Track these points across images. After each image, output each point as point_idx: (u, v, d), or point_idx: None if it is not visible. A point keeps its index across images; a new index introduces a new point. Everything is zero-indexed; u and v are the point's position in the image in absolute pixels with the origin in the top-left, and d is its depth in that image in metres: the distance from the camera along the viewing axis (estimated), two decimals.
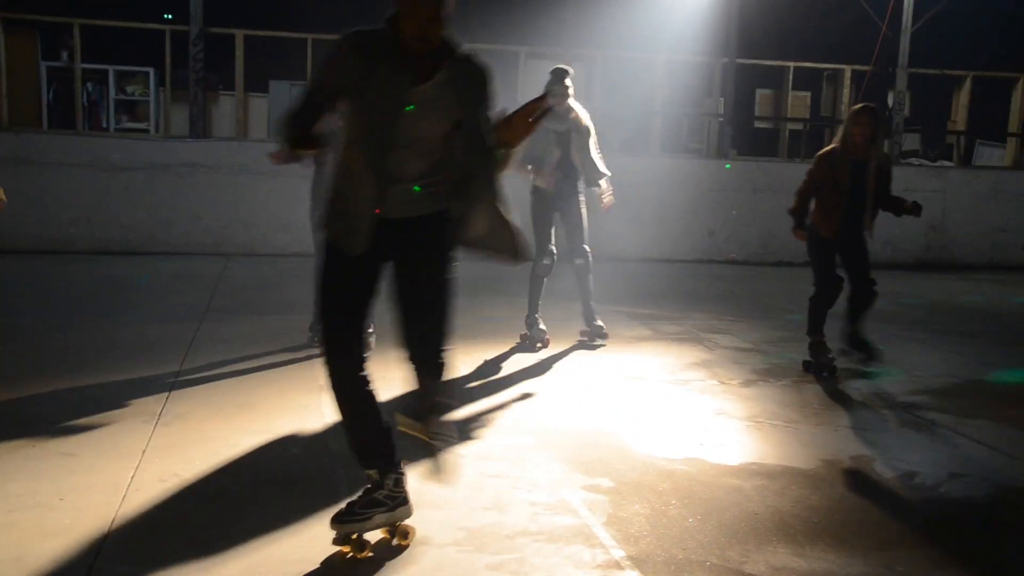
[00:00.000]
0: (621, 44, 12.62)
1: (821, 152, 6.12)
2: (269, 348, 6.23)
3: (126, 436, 4.35)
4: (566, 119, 6.51)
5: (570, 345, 6.73)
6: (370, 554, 3.23)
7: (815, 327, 6.13)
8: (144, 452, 4.14)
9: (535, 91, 12.49)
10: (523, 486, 3.92)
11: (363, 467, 3.33)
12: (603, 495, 3.86)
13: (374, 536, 3.32)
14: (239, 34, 11.28)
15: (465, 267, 3.44)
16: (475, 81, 3.22)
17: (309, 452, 4.28)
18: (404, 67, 3.08)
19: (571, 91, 6.55)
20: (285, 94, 11.93)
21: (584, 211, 6.72)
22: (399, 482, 3.33)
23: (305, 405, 4.97)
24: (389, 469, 3.31)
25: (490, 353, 6.38)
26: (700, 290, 9.89)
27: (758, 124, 14.57)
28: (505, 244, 3.34)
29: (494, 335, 6.83)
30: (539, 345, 6.59)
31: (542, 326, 6.67)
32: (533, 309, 6.68)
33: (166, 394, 5.08)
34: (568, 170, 6.58)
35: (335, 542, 3.22)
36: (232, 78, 11.46)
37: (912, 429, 5.07)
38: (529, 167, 6.45)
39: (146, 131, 12.72)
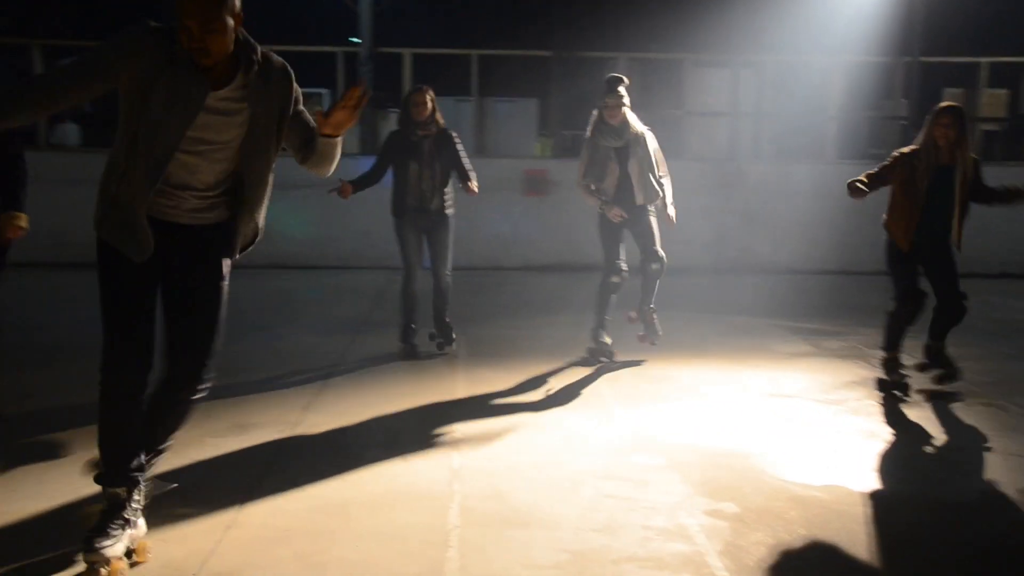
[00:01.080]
0: (793, 48, 12.11)
1: (902, 150, 5.55)
2: (415, 363, 6.29)
3: (259, 441, 4.47)
4: (622, 134, 6.21)
5: (709, 361, 6.45)
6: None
7: (890, 343, 5.66)
8: (272, 462, 4.23)
9: (701, 99, 12.19)
10: (640, 508, 3.74)
11: (108, 486, 3.13)
12: (724, 521, 3.62)
13: None
14: (407, 53, 11.58)
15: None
16: (275, 83, 3.09)
17: (431, 466, 4.24)
18: (197, 73, 2.94)
19: (626, 101, 6.20)
20: (452, 110, 12.11)
21: (654, 220, 6.41)
22: (138, 498, 3.20)
23: (439, 420, 4.96)
24: (136, 486, 3.18)
25: (629, 366, 6.21)
26: (876, 304, 9.19)
27: None
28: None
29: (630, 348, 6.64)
30: (602, 359, 6.34)
31: (607, 339, 6.41)
32: (599, 323, 6.42)
33: (307, 402, 5.19)
34: (629, 186, 6.27)
35: (87, 571, 2.98)
36: (400, 96, 11.74)
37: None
38: (593, 187, 6.25)
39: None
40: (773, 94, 12.04)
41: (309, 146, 3.24)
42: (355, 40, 12.53)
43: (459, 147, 6.37)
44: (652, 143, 6.31)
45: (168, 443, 3.29)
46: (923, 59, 11.91)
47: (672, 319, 7.25)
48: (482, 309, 8.41)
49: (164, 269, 3.11)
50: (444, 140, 6.34)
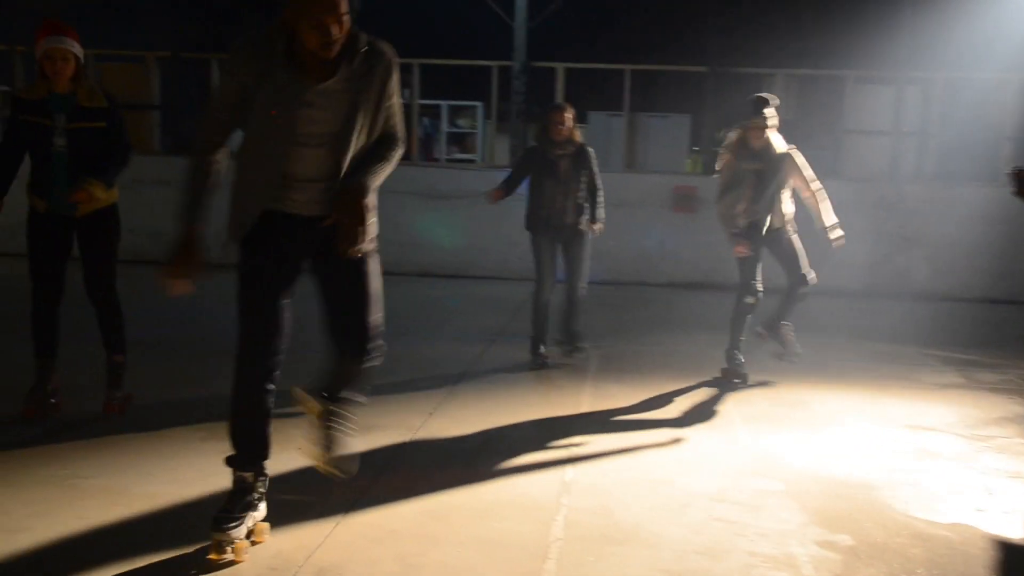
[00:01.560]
0: (965, 65, 11.51)
1: None
2: (543, 374, 6.33)
3: (380, 444, 4.58)
4: (763, 156, 6.02)
5: (848, 388, 6.20)
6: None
7: None
8: (388, 464, 4.34)
9: (862, 118, 11.78)
10: (749, 534, 3.64)
11: (238, 469, 3.31)
12: (837, 554, 3.48)
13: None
14: (560, 67, 11.67)
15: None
16: (380, 70, 3.13)
17: (543, 478, 4.26)
18: (301, 68, 3.04)
19: (772, 123, 6.01)
20: (603, 125, 12.13)
21: (796, 239, 6.21)
22: (264, 484, 3.38)
23: (558, 432, 4.97)
24: (262, 473, 3.35)
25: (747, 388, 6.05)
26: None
27: None
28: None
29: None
30: (736, 381, 6.15)
31: (741, 358, 6.23)
32: (733, 344, 6.26)
33: (432, 408, 5.30)
34: (765, 209, 6.08)
35: (213, 550, 3.17)
36: None
37: None
38: (734, 211, 6.06)
39: (473, 161, 13.50)
40: (940, 112, 11.46)
41: (380, 143, 3.27)
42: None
43: (595, 166, 6.40)
44: (799, 159, 6.15)
45: (356, 400, 3.44)
46: None
47: (815, 342, 7.04)
48: (620, 324, 8.37)
49: (303, 262, 3.27)
50: (582, 158, 6.37)
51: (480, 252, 11.39)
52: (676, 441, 4.90)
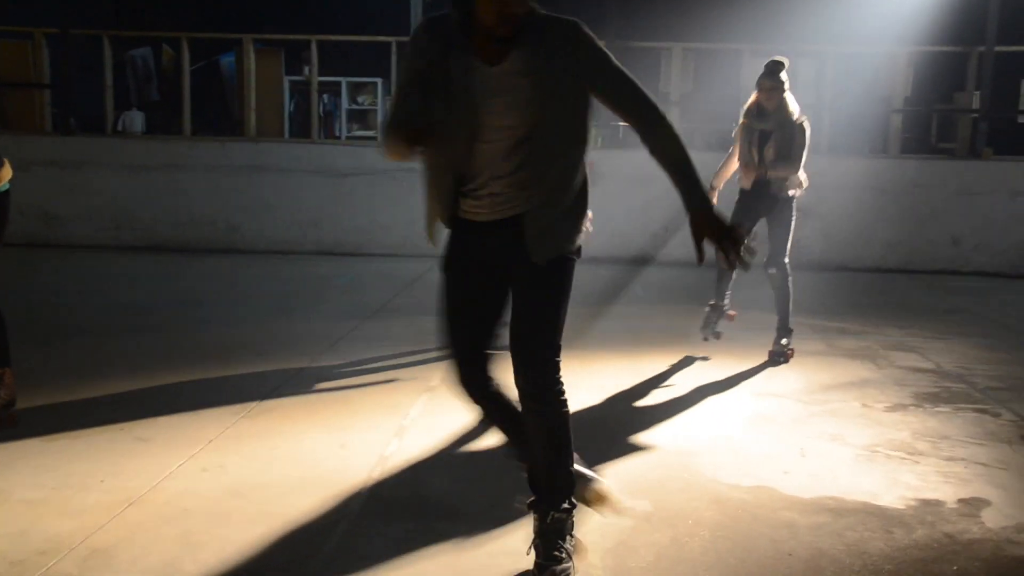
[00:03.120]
0: (856, 38, 11.67)
1: None
2: (409, 348, 6.31)
3: (204, 427, 4.51)
4: (773, 116, 6.00)
5: (716, 358, 6.28)
6: None
7: None
8: (211, 442, 4.30)
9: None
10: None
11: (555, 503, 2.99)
12: (630, 520, 3.52)
13: None
14: None
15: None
16: (560, 54, 2.72)
17: (363, 453, 4.26)
18: (476, 49, 2.73)
19: (786, 86, 6.00)
20: None
21: (793, 219, 6.22)
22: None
23: (385, 409, 4.97)
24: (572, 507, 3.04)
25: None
26: (921, 304, 8.93)
27: None
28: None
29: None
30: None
31: (728, 306, 6.49)
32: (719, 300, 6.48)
33: (276, 387, 5.27)
34: (773, 170, 6.07)
35: None
36: None
37: None
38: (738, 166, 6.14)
39: (374, 138, 13.41)
40: (833, 85, 11.61)
41: (641, 130, 2.84)
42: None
43: None
44: (808, 131, 6.07)
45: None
46: (998, 48, 11.32)
47: (696, 313, 7.07)
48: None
49: (496, 270, 2.92)
50: None
51: (381, 229, 11.33)
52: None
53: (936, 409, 5.16)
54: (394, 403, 5.04)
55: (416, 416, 4.81)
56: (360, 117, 13.71)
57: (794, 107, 6.03)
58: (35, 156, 11.31)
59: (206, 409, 4.79)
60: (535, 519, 3.02)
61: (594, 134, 12.64)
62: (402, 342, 6.44)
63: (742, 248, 2.71)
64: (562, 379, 2.91)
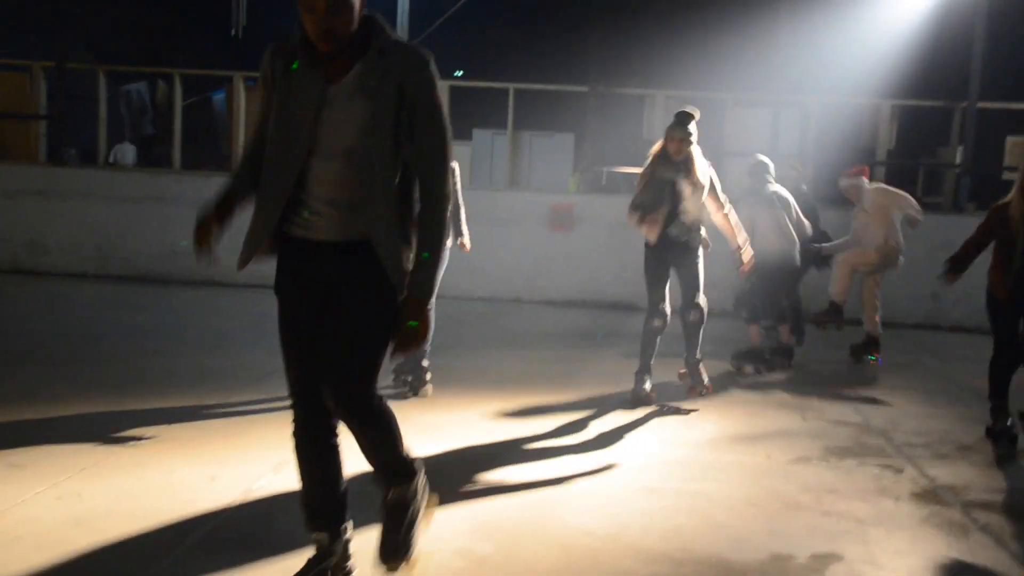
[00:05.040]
0: (839, 89, 11.66)
1: (996, 204, 5.62)
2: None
3: (81, 457, 4.48)
4: (680, 168, 6.01)
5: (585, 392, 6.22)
6: None
7: (995, 390, 5.56)
8: (82, 471, 4.30)
9: (741, 140, 11.87)
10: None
11: (308, 528, 3.05)
12: (464, 562, 3.47)
13: None
14: (445, 85, 11.73)
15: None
16: (392, 76, 2.74)
17: (220, 484, 4.24)
18: (316, 66, 2.76)
19: (693, 138, 6.04)
20: (487, 142, 12.19)
21: (701, 265, 6.22)
22: (347, 548, 3.07)
23: (278, 444, 4.95)
24: (340, 534, 3.06)
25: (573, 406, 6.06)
26: (884, 356, 8.78)
27: (1009, 176, 12.80)
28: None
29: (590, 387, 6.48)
30: (640, 404, 6.12)
31: (647, 385, 6.19)
32: (643, 367, 6.23)
33: (178, 419, 5.26)
34: (680, 221, 6.07)
35: None
36: None
37: (951, 532, 4.12)
38: (638, 215, 6.06)
39: None
40: (816, 136, 11.58)
41: (421, 193, 2.86)
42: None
43: (458, 184, 6.16)
44: (715, 179, 6.17)
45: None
46: (981, 104, 11.24)
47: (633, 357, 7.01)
48: (482, 340, 8.37)
49: (320, 290, 2.88)
50: None
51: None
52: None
53: (840, 463, 5.06)
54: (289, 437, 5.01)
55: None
56: None
57: (700, 159, 6.05)
58: (25, 185, 11.54)
59: (93, 440, 4.77)
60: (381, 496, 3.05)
61: (572, 180, 12.72)
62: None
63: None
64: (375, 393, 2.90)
